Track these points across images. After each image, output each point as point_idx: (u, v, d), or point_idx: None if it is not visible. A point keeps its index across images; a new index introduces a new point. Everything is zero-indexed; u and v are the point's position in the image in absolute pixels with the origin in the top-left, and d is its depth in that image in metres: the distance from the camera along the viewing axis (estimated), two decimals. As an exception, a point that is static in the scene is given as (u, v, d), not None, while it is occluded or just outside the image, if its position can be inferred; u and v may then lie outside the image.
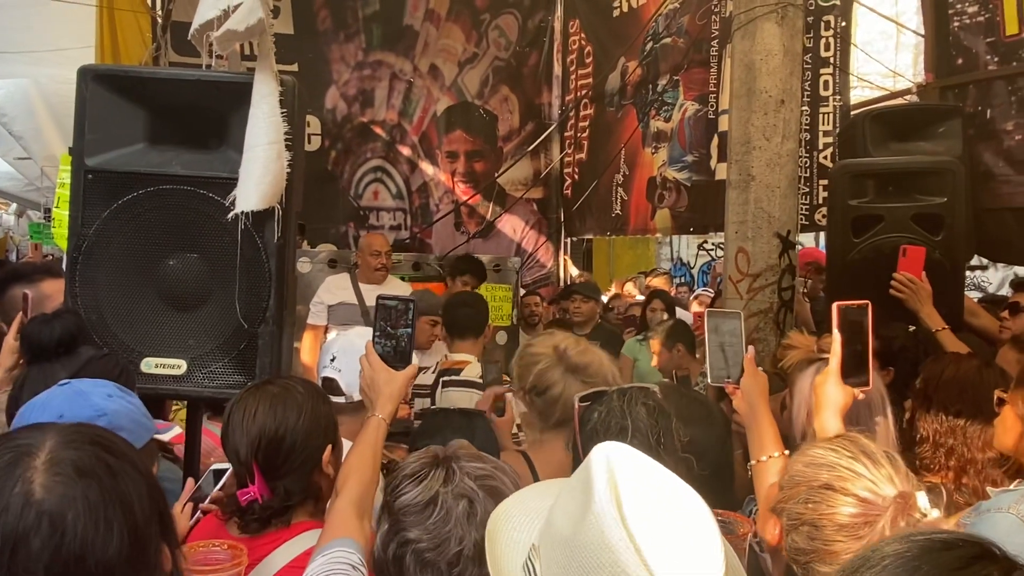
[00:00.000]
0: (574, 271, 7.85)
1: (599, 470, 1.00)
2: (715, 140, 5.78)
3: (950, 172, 3.33)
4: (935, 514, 1.28)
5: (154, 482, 1.00)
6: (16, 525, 0.87)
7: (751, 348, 1.99)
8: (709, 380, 2.02)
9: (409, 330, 1.78)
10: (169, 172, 2.22)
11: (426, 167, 7.43)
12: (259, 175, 2.07)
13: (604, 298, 7.01)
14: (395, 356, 1.78)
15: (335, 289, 4.99)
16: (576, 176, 7.68)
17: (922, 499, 1.29)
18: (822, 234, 5.94)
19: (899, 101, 4.86)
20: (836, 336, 1.85)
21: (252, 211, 2.11)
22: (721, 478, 2.05)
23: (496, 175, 7.50)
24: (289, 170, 2.13)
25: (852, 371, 1.84)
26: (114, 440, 1.00)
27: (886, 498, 1.29)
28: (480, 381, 3.23)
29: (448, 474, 1.34)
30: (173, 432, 1.92)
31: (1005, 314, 3.48)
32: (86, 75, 2.26)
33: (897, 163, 3.52)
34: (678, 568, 0.92)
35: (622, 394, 1.73)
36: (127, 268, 2.24)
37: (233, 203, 2.11)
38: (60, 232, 6.40)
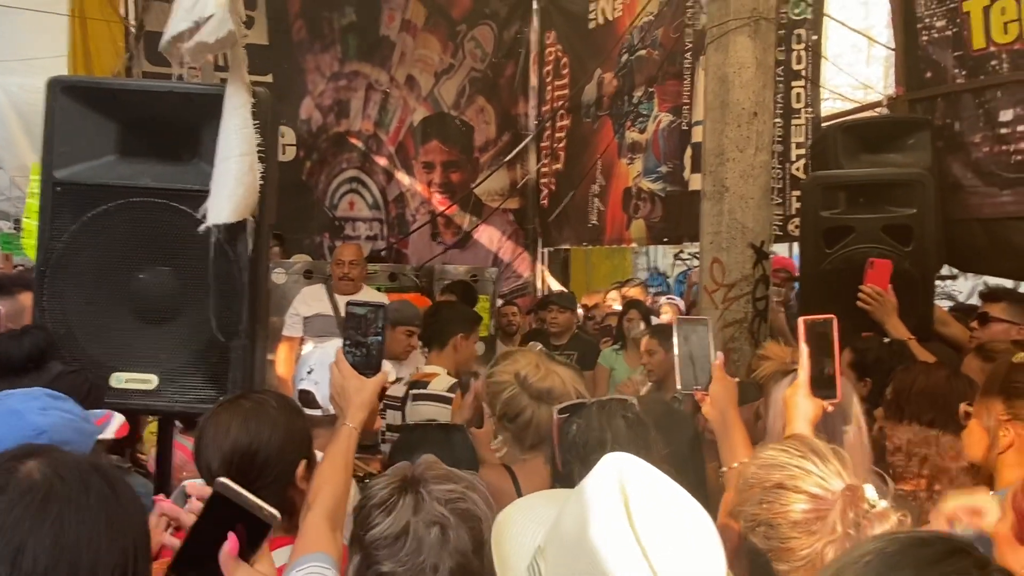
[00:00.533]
0: (554, 284, 7.86)
1: (610, 476, 1.02)
2: (688, 151, 5.83)
3: (919, 184, 3.39)
4: (883, 504, 1.30)
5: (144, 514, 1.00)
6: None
7: (720, 355, 2.01)
8: (679, 387, 2.03)
9: (379, 338, 1.76)
10: (140, 184, 2.19)
11: (402, 177, 7.42)
12: (231, 187, 2.05)
13: (580, 309, 7.02)
14: (365, 363, 1.76)
15: (311, 300, 4.96)
16: (553, 187, 7.71)
17: (870, 491, 1.32)
18: (796, 245, 6.01)
19: (870, 113, 4.93)
20: (803, 350, 1.88)
21: (225, 224, 2.09)
22: (692, 484, 2.05)
23: (472, 186, 7.50)
24: (262, 182, 2.12)
25: (820, 384, 1.86)
26: (109, 467, 1.00)
27: (835, 492, 1.33)
28: (448, 395, 3.21)
29: (417, 501, 1.33)
30: (116, 424, 1.84)
31: (975, 324, 3.54)
32: (55, 86, 2.23)
33: (867, 175, 3.57)
34: (683, 571, 0.94)
35: (601, 407, 1.74)
36: (97, 281, 2.21)
37: (205, 215, 2.09)
38: (29, 243, 6.29)
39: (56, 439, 1.52)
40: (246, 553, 1.14)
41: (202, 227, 2.10)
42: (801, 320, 1.92)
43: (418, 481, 1.37)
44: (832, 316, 1.92)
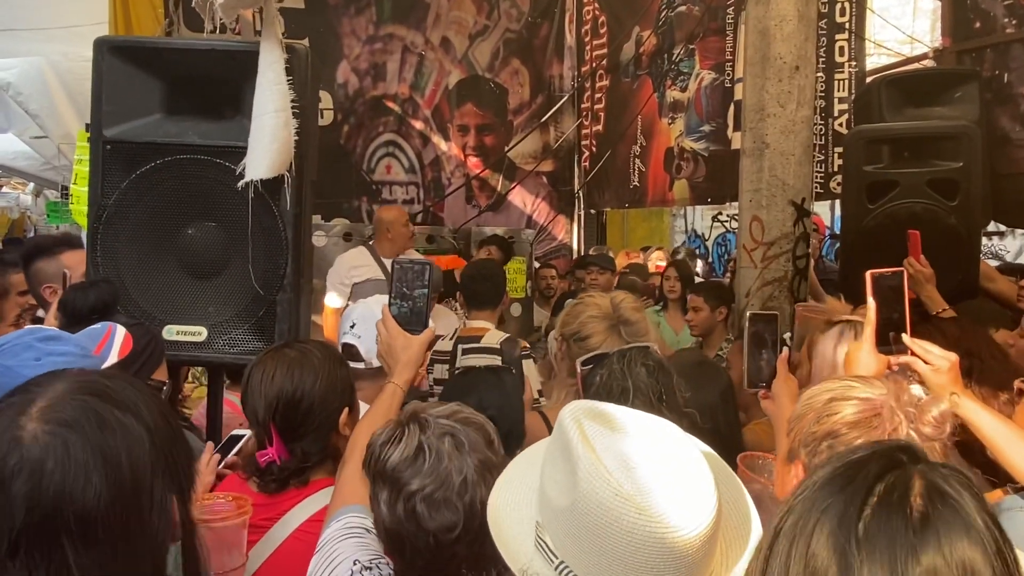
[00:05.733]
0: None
1: (572, 434, 1.02)
2: (731, 109, 5.74)
3: (966, 136, 3.30)
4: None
5: (165, 434, 1.00)
6: (2, 467, 0.91)
7: (785, 350, 2.00)
8: (745, 385, 2.03)
9: (426, 291, 1.77)
10: (186, 142, 2.24)
11: (438, 141, 7.42)
12: (267, 143, 2.09)
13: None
14: (412, 318, 1.78)
15: (359, 266, 4.97)
16: (594, 148, 7.65)
17: (916, 388, 1.34)
18: (837, 202, 5.91)
19: (915, 66, 4.80)
20: (871, 304, 1.85)
21: (265, 179, 2.12)
22: (723, 435, 2.07)
23: (506, 149, 7.48)
24: (298, 138, 2.14)
25: (887, 339, 1.84)
26: (121, 390, 1.00)
27: (883, 394, 1.36)
28: (499, 347, 3.25)
29: (421, 424, 1.36)
30: (118, 346, 1.74)
31: (1023, 281, 3.46)
32: (102, 47, 2.27)
33: (912, 128, 3.48)
34: (674, 505, 0.95)
35: (621, 356, 1.75)
36: (147, 237, 2.27)
37: (243, 172, 2.13)
38: (78, 208, 6.44)
39: None
40: None
41: (240, 183, 2.14)
42: (869, 274, 1.88)
43: (415, 413, 1.41)
44: (902, 269, 1.88)
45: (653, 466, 0.98)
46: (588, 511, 0.96)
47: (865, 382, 1.41)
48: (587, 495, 0.97)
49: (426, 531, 1.28)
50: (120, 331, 1.78)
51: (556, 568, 0.99)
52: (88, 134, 2.33)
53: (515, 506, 1.11)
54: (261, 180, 2.14)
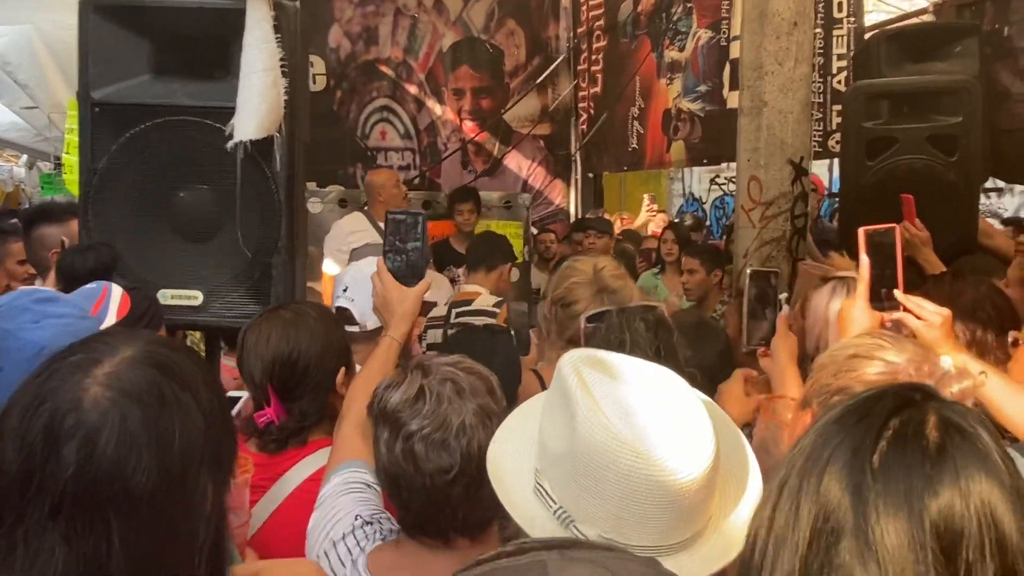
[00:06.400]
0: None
1: (570, 379, 1.02)
2: (727, 68, 5.67)
3: (966, 91, 3.27)
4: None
5: (218, 420, 0.98)
6: (59, 425, 0.89)
7: (785, 308, 1.98)
8: (744, 345, 2.02)
9: (419, 244, 1.76)
10: (175, 103, 2.21)
11: (433, 106, 7.35)
12: (255, 103, 2.06)
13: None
14: (407, 271, 1.77)
15: (356, 231, 4.96)
16: (591, 111, 7.57)
17: (945, 360, 1.32)
18: (836, 161, 5.87)
19: (915, 21, 4.74)
20: (864, 261, 1.83)
21: (255, 140, 2.10)
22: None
23: (502, 111, 7.41)
24: (287, 97, 2.11)
25: (880, 295, 1.83)
26: (185, 366, 0.97)
27: (909, 360, 1.33)
28: (494, 309, 3.24)
29: (424, 370, 1.37)
30: (115, 305, 1.70)
31: (1022, 237, 3.45)
32: (86, 7, 2.23)
33: (912, 83, 3.45)
34: (671, 450, 0.95)
35: (621, 311, 1.75)
36: (139, 200, 2.25)
37: (232, 133, 2.10)
38: (71, 178, 6.39)
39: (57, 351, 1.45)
40: None
41: (229, 144, 2.11)
42: (861, 230, 1.86)
43: (420, 362, 1.41)
44: (894, 225, 1.87)
45: (652, 412, 0.98)
46: (586, 455, 0.96)
47: (896, 345, 1.38)
48: (585, 439, 0.96)
49: (423, 472, 1.29)
50: (116, 290, 1.75)
51: (555, 513, 1.00)
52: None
53: (514, 454, 1.12)
54: (251, 141, 2.11)
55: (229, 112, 2.16)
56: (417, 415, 1.31)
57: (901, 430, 0.77)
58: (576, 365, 1.04)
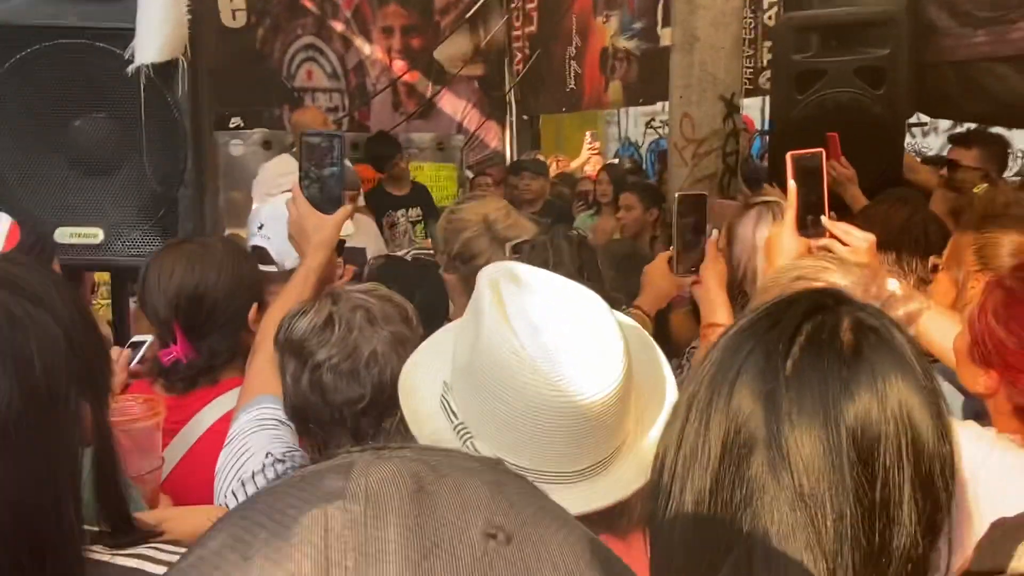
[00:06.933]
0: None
1: (485, 292, 0.96)
2: (660, 4, 5.61)
3: (893, 23, 3.29)
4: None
5: (82, 332, 0.91)
6: None
7: (714, 232, 1.95)
8: (675, 270, 1.98)
9: (336, 168, 1.65)
10: (65, 24, 2.04)
11: (361, 44, 7.09)
12: (156, 24, 1.92)
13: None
14: (323, 198, 1.65)
15: (287, 173, 4.76)
16: (527, 51, 7.41)
17: (892, 282, 1.30)
18: (766, 100, 5.89)
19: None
20: (791, 186, 1.81)
21: (157, 65, 1.96)
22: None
23: (432, 51, 7.20)
24: (191, 17, 1.97)
25: (807, 222, 1.81)
26: (34, 281, 0.89)
27: (854, 282, 1.31)
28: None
29: (334, 298, 1.30)
30: (5, 226, 1.61)
31: (943, 171, 3.50)
32: (-40, -84, 2.03)
33: (840, 14, 3.45)
34: (575, 369, 0.90)
35: (546, 231, 1.71)
36: (30, 132, 2.09)
37: (132, 56, 1.96)
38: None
39: None
40: None
41: (130, 68, 1.96)
42: (789, 155, 1.83)
43: (330, 290, 1.35)
44: (820, 150, 1.84)
45: (560, 327, 0.92)
46: (485, 369, 0.91)
47: (842, 267, 1.36)
48: (486, 352, 0.91)
49: (331, 404, 1.23)
50: (4, 219, 1.62)
51: (455, 429, 0.94)
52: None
53: (427, 367, 1.06)
54: (152, 65, 1.97)
55: (125, 34, 2.00)
56: (325, 344, 1.24)
57: (815, 334, 0.74)
58: (494, 277, 0.98)
